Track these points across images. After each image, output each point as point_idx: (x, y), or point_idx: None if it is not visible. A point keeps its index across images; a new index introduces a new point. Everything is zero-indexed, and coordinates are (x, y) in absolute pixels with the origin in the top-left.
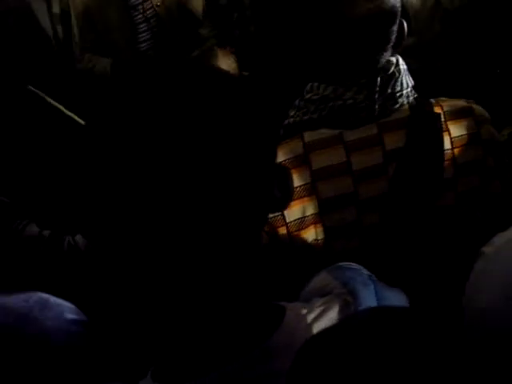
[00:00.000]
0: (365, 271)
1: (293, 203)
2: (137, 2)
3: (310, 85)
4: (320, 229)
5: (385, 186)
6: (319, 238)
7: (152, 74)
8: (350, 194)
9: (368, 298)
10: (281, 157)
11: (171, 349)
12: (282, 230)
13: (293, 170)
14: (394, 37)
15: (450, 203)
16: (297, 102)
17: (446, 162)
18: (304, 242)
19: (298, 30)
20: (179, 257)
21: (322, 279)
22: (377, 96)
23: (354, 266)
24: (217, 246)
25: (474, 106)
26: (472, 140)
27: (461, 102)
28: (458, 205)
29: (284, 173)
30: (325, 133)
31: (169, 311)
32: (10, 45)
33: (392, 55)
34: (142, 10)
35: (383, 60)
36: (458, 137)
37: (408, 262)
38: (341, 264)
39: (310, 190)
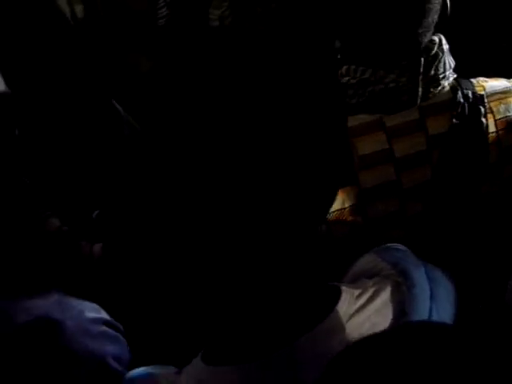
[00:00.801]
0: (413, 254)
1: None
2: None
3: (345, 68)
4: (360, 220)
5: (429, 174)
6: (359, 229)
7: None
8: (392, 182)
9: (420, 279)
10: None
11: (225, 329)
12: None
13: None
14: (435, 13)
15: (495, 189)
16: None
17: (491, 146)
18: (343, 234)
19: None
20: (237, 230)
21: (369, 260)
22: (421, 78)
23: (402, 247)
24: (282, 223)
25: None
26: None
27: (502, 82)
28: (504, 191)
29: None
30: (364, 118)
31: (224, 292)
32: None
33: (434, 34)
34: None
35: (426, 39)
36: (502, 118)
37: (453, 252)
38: (389, 245)
39: (351, 180)
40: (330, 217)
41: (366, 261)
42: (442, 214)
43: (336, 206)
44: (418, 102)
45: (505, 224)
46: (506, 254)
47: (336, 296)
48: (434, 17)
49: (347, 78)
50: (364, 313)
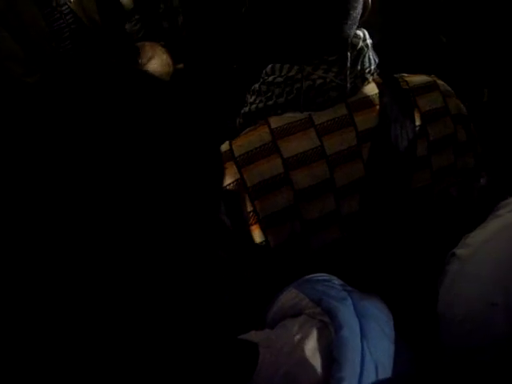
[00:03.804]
0: (336, 281)
1: (266, 196)
2: None
3: (270, 66)
4: (297, 223)
5: (361, 170)
6: (297, 233)
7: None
8: (326, 180)
9: (347, 317)
10: (247, 147)
11: None
12: (255, 229)
13: (262, 161)
14: (360, 7)
15: (426, 183)
16: (257, 86)
17: (419, 140)
18: (280, 239)
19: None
20: None
21: (290, 297)
22: (348, 73)
23: (323, 276)
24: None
25: (437, 80)
26: (441, 114)
27: (424, 77)
28: (434, 184)
29: (234, 196)
30: (292, 117)
31: None
32: None
33: (358, 29)
34: (55, 4)
35: (352, 33)
36: (427, 112)
37: (388, 251)
38: (308, 277)
39: (284, 181)
40: (264, 222)
41: (288, 297)
42: (378, 210)
43: (270, 209)
44: (346, 97)
45: (436, 219)
46: (436, 256)
47: (254, 357)
48: (359, 10)
49: (273, 77)
50: (290, 368)
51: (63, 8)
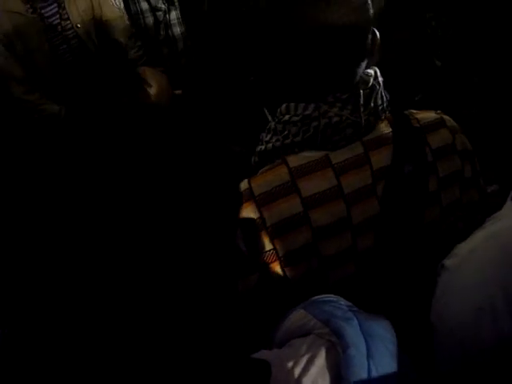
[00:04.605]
0: (343, 302)
1: (286, 235)
2: (55, 22)
3: (284, 106)
4: (315, 259)
5: (376, 207)
6: (314, 268)
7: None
8: (343, 218)
9: (354, 337)
10: (266, 186)
11: None
12: (275, 266)
13: (281, 200)
14: (368, 47)
15: (436, 218)
16: (273, 125)
17: (430, 176)
18: (298, 275)
19: (267, 43)
20: None
21: (299, 317)
22: (362, 110)
23: (330, 297)
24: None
25: (444, 116)
26: (450, 151)
27: (432, 114)
28: (443, 218)
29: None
30: (310, 156)
31: None
32: None
33: (369, 67)
34: (60, 29)
35: (360, 70)
36: (437, 148)
37: (401, 283)
38: (315, 298)
39: (303, 220)
40: (284, 260)
41: (297, 318)
42: (392, 245)
43: (289, 247)
44: (362, 134)
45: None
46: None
47: (266, 374)
48: (365, 46)
49: (288, 116)
50: None
51: (68, 32)
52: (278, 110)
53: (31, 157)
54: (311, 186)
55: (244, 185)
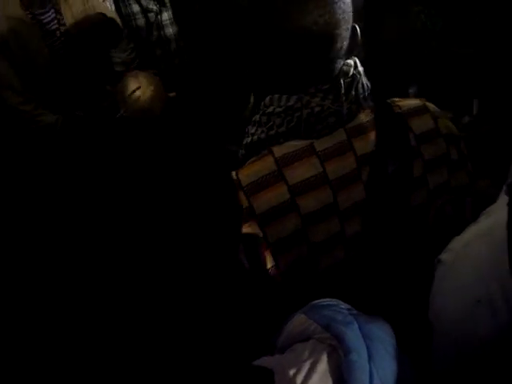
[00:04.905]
0: (343, 306)
1: (275, 222)
2: (54, 27)
3: (268, 98)
4: (305, 246)
5: (361, 192)
6: (305, 255)
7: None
8: (330, 204)
9: (355, 341)
10: (253, 176)
11: None
12: (267, 254)
13: (269, 188)
14: (344, 39)
15: (423, 201)
16: (258, 117)
17: (414, 160)
18: (290, 262)
19: (251, 40)
20: None
21: (299, 322)
22: (343, 99)
23: (330, 301)
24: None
25: (427, 103)
26: (434, 135)
27: (414, 101)
28: (431, 201)
29: (253, 240)
30: (295, 145)
31: None
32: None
33: (349, 58)
34: (59, 34)
35: (339, 63)
36: (420, 134)
37: (391, 269)
38: (315, 302)
39: (291, 207)
40: (275, 247)
41: (298, 323)
42: (380, 230)
43: (279, 234)
44: (344, 123)
45: (433, 235)
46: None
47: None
48: (343, 42)
49: (272, 108)
50: None
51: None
52: (262, 103)
53: (29, 165)
54: (297, 173)
55: (232, 176)
